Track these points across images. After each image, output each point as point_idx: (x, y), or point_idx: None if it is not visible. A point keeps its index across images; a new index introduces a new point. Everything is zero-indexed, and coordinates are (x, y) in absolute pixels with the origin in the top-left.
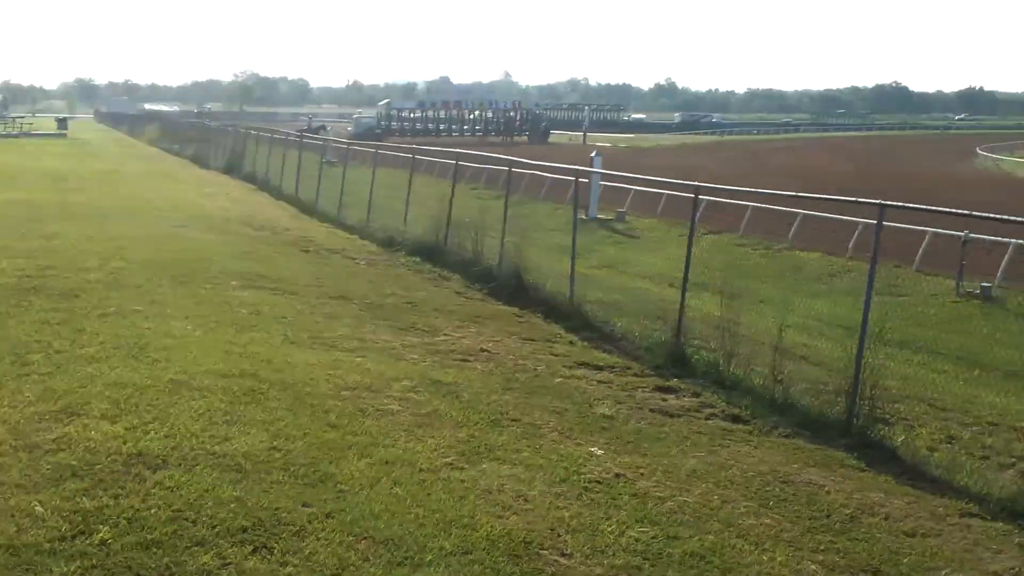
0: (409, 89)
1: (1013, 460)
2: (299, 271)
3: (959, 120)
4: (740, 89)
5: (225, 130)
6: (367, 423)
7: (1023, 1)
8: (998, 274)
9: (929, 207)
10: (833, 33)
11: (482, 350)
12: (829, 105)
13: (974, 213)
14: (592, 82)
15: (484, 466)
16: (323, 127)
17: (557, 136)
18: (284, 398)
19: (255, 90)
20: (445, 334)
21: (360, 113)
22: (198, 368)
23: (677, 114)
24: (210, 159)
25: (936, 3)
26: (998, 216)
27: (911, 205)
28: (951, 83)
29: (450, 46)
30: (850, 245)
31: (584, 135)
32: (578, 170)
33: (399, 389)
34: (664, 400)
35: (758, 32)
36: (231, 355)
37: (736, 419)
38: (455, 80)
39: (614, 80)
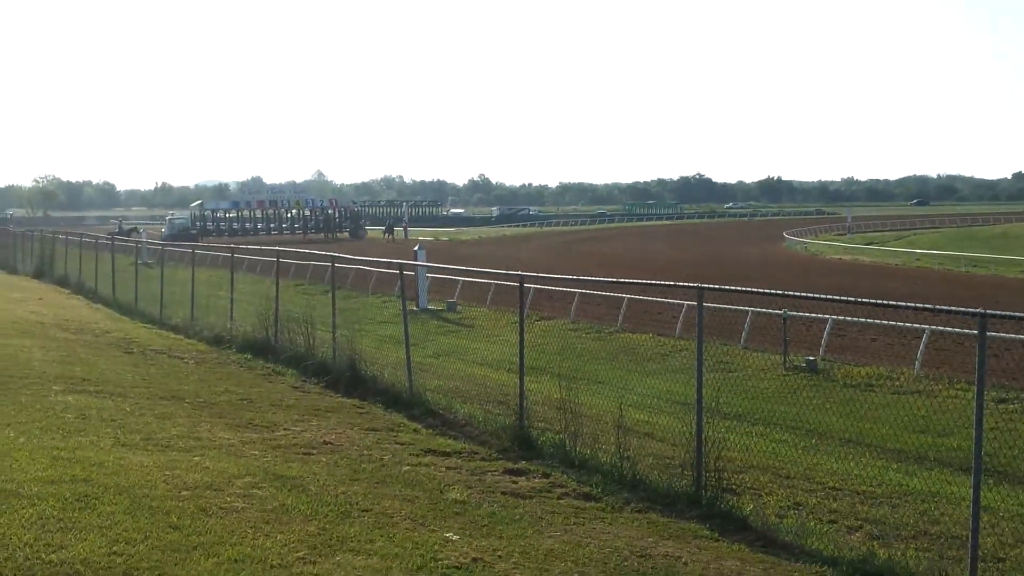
0: (221, 190)
1: (860, 523)
2: (124, 372)
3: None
4: (552, 183)
5: (30, 235)
6: (211, 522)
7: (813, 99)
8: (821, 348)
9: (743, 288)
10: (639, 129)
11: (325, 442)
12: (638, 197)
13: (789, 293)
14: (407, 179)
15: (338, 558)
16: (135, 229)
17: (376, 232)
18: (120, 501)
19: (58, 194)
20: (285, 428)
21: (173, 215)
22: (25, 476)
23: (495, 208)
24: (17, 264)
25: (734, 99)
26: (813, 295)
27: (726, 287)
28: (751, 173)
29: (261, 145)
30: (678, 326)
31: (405, 230)
32: (403, 263)
33: (242, 486)
34: (515, 482)
35: (567, 128)
36: (60, 461)
37: (588, 497)
38: (267, 179)
39: (428, 177)
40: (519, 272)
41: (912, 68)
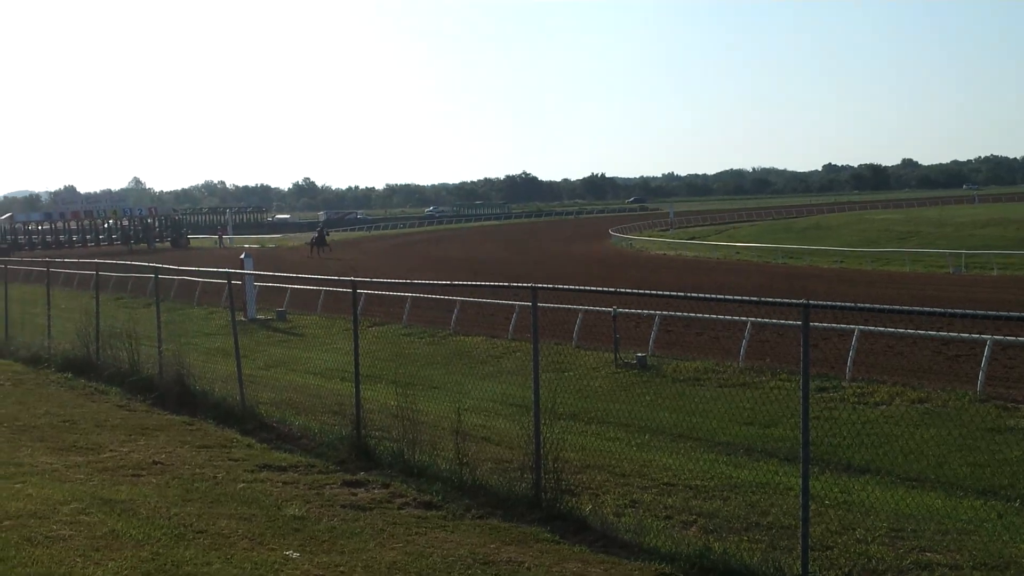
0: (32, 201)
1: (694, 517)
2: None
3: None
4: (379, 185)
5: None
6: (37, 552)
7: (638, 98)
8: (649, 344)
9: (576, 287)
10: (464, 129)
11: (154, 463)
12: (465, 197)
13: (620, 290)
14: (229, 184)
15: None
16: None
17: (201, 240)
18: None
19: None
20: (111, 450)
21: None
22: None
23: (322, 212)
24: None
25: (555, 99)
26: (642, 292)
27: (560, 287)
28: (575, 171)
29: (73, 153)
30: (511, 327)
31: (220, 238)
32: (230, 272)
33: (68, 512)
34: (354, 495)
35: (392, 129)
36: None
37: (429, 506)
38: (81, 188)
39: (252, 181)
40: (351, 278)
41: (727, 66)
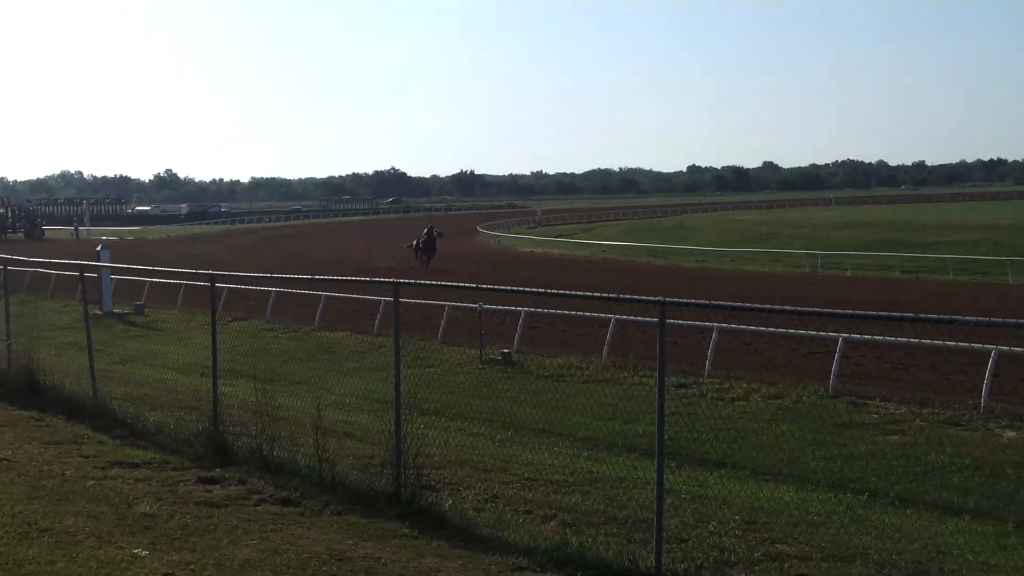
0: None
1: (554, 511)
2: None
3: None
4: (244, 179)
5: None
6: None
7: (508, 95)
8: (515, 340)
9: (437, 282)
10: (331, 122)
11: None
12: (333, 192)
13: (482, 286)
14: (87, 174)
15: None
16: None
17: (56, 231)
18: None
19: None
20: None
21: None
22: None
23: (184, 205)
24: None
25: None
26: (507, 288)
27: (421, 282)
28: (445, 168)
29: None
30: (376, 323)
31: (76, 229)
32: (84, 264)
33: None
34: (209, 491)
35: (258, 121)
36: None
37: (286, 502)
38: None
39: (111, 172)
40: (210, 271)
41: (595, 65)
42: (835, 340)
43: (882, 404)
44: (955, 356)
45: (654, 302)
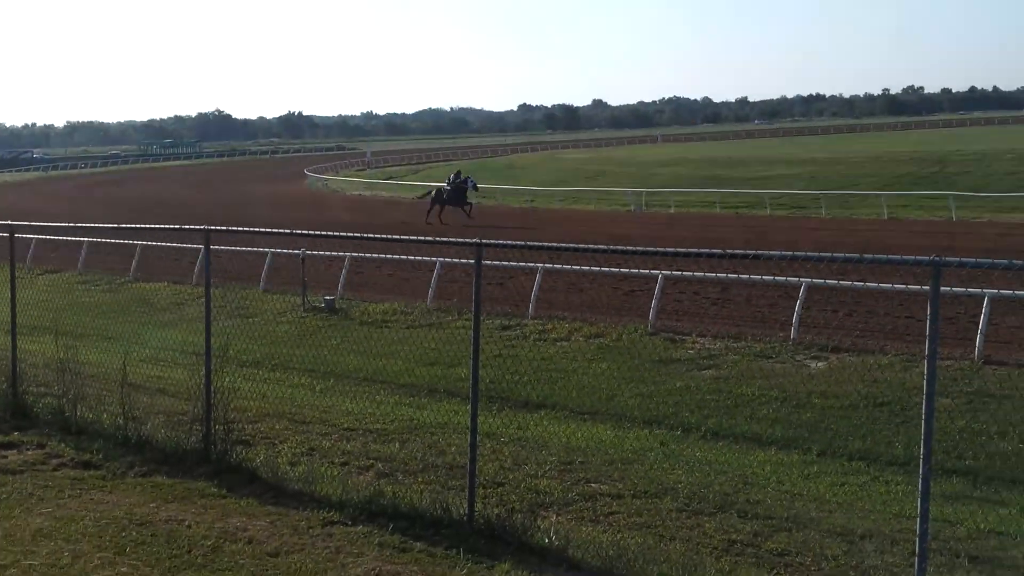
0: None
1: (371, 462)
2: None
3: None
4: (59, 123)
5: None
6: None
7: (335, 33)
8: (339, 287)
9: (252, 229)
10: (152, 61)
11: None
12: (154, 135)
13: (298, 231)
14: None
15: None
16: None
17: None
18: None
19: None
20: None
21: None
22: None
23: None
24: None
25: (250, 28)
26: (325, 233)
27: (236, 228)
28: (271, 109)
29: None
30: (195, 272)
31: None
32: None
33: None
34: (4, 457)
35: (72, 61)
36: None
37: (87, 465)
38: None
39: None
40: (7, 222)
41: (424, 3)
42: (655, 278)
43: (699, 340)
44: (768, 291)
45: (470, 244)
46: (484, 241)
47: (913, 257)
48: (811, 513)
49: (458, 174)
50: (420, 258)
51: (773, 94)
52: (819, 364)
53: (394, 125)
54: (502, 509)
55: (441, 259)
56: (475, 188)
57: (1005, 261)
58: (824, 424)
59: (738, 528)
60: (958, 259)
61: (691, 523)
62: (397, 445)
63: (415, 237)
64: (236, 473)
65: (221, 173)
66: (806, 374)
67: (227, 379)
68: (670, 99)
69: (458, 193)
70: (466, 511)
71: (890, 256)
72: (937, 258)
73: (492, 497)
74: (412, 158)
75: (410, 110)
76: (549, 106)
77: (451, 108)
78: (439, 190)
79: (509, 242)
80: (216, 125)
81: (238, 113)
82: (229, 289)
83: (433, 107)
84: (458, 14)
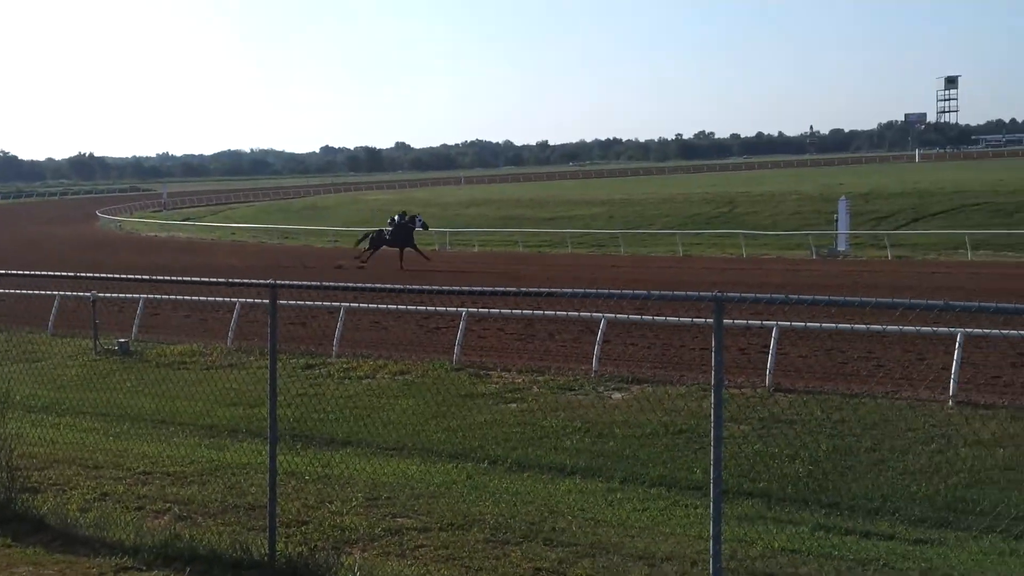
0: None
1: (168, 505)
2: None
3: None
4: None
5: None
6: None
7: (128, 74)
8: (133, 329)
9: (35, 272)
10: None
11: None
12: None
13: (78, 274)
14: None
15: None
16: None
17: None
18: None
19: None
20: None
21: None
22: None
23: None
24: None
25: (41, 73)
26: (114, 276)
27: (7, 272)
28: (61, 150)
29: None
30: None
31: None
32: None
33: None
34: None
35: None
36: None
37: None
38: None
39: None
40: None
41: (219, 46)
42: (459, 315)
43: (503, 374)
44: (570, 325)
45: (265, 285)
46: (279, 282)
47: (697, 293)
48: (614, 538)
49: (403, 214)
50: (218, 299)
51: (573, 138)
52: (620, 395)
53: (191, 166)
54: (305, 548)
55: (241, 300)
56: (424, 227)
57: (782, 296)
58: (626, 452)
59: (544, 556)
60: (739, 294)
61: (497, 553)
62: (196, 487)
63: (206, 279)
64: (22, 522)
65: (8, 215)
66: (608, 405)
67: (11, 426)
68: (473, 142)
69: (402, 233)
70: (267, 551)
71: (675, 292)
72: (719, 293)
73: (295, 536)
74: (211, 199)
75: (208, 151)
76: (352, 148)
77: (251, 150)
78: (379, 232)
79: (304, 283)
80: (3, 167)
81: (24, 154)
82: (14, 333)
83: (232, 148)
84: (256, 55)
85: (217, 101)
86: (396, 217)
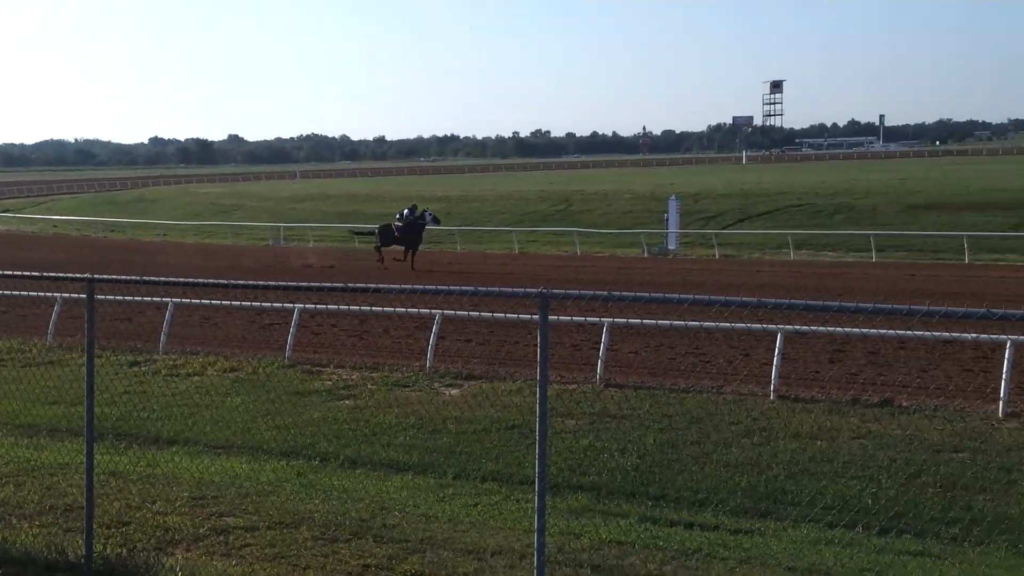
0: None
1: None
2: None
3: None
4: None
5: None
6: None
7: None
8: None
9: None
10: None
11: None
12: None
13: None
14: None
15: None
16: None
17: None
18: None
19: None
20: None
21: None
22: None
23: None
24: None
25: None
26: None
27: None
28: None
29: None
30: None
31: None
32: None
33: None
34: None
35: None
36: None
37: None
38: None
39: None
40: None
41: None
42: (291, 311)
43: (336, 371)
44: (405, 321)
45: (81, 279)
46: (96, 277)
47: (523, 290)
48: (444, 534)
49: (413, 208)
50: (37, 294)
51: (410, 134)
52: (453, 391)
53: (11, 156)
54: (124, 548)
55: (62, 295)
56: (437, 222)
57: (605, 293)
58: (459, 448)
59: (373, 552)
60: (563, 291)
61: (326, 551)
62: (11, 488)
63: (25, 273)
64: None
65: None
66: (441, 401)
67: None
68: (308, 136)
69: (415, 230)
70: (84, 552)
71: (502, 288)
72: (545, 290)
73: (116, 537)
74: (32, 190)
75: (29, 140)
76: (182, 140)
77: (75, 139)
78: (385, 227)
79: (123, 277)
80: None
81: None
82: None
83: (56, 138)
84: (82, 42)
85: (38, 89)
86: (406, 211)
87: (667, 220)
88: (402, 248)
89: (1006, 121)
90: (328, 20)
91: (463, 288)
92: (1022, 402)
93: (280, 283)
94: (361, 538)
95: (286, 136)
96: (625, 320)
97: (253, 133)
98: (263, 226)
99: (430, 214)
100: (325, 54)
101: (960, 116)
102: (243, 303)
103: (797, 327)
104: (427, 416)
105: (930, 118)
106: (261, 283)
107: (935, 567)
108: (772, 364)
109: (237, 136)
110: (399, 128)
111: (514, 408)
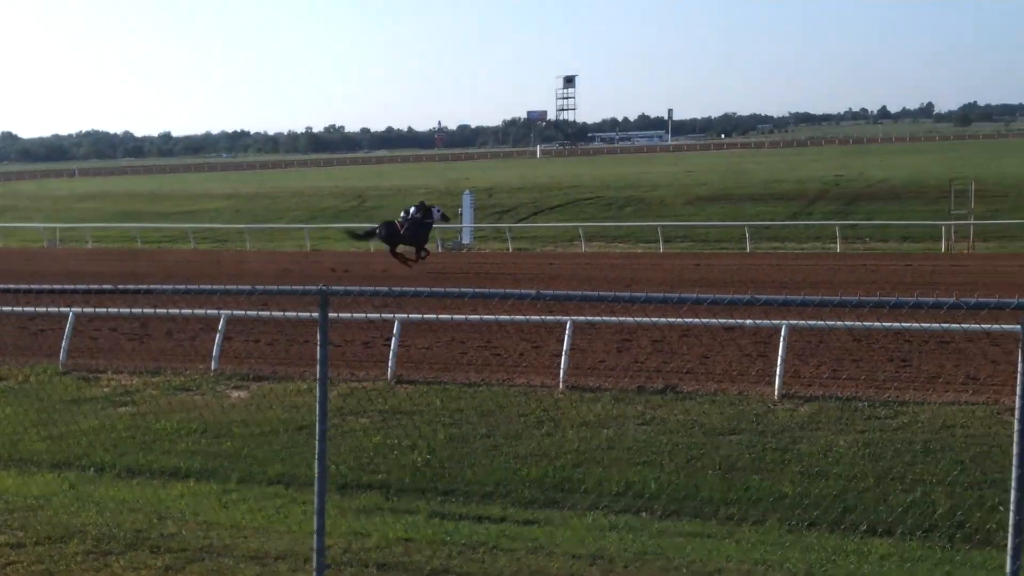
0: None
1: None
2: None
3: None
4: None
5: None
6: None
7: None
8: None
9: None
10: None
11: None
12: None
13: None
14: None
15: None
16: None
17: None
18: None
19: None
20: None
21: None
22: None
23: None
24: None
25: None
26: None
27: None
28: None
29: None
30: None
31: None
32: None
33: None
34: None
35: None
36: None
37: None
38: None
39: None
40: None
41: None
42: (66, 316)
43: (114, 376)
44: (190, 324)
45: None
46: None
47: (303, 287)
48: (226, 540)
49: (421, 204)
50: None
51: (197, 130)
52: (240, 393)
53: None
54: None
55: None
56: (446, 219)
57: (386, 288)
58: (244, 452)
59: (149, 564)
60: (343, 288)
61: (98, 564)
62: None
63: None
64: None
65: None
66: (226, 404)
67: None
68: (88, 132)
69: (422, 229)
70: None
71: (281, 287)
72: (324, 287)
73: None
74: None
75: None
76: None
77: None
78: (389, 226)
79: None
80: None
81: None
82: None
83: None
84: None
85: None
86: (412, 208)
87: (461, 215)
88: (412, 248)
89: (787, 115)
90: (112, 12)
91: (241, 287)
92: (796, 383)
93: (49, 287)
94: (136, 549)
95: (64, 133)
96: (420, 316)
97: (28, 130)
98: (37, 227)
99: (438, 210)
100: (107, 46)
101: (744, 110)
102: (13, 308)
103: (587, 318)
104: (211, 420)
105: (716, 112)
106: (28, 287)
107: (713, 547)
108: (561, 355)
109: (10, 133)
110: (186, 123)
111: (303, 408)
